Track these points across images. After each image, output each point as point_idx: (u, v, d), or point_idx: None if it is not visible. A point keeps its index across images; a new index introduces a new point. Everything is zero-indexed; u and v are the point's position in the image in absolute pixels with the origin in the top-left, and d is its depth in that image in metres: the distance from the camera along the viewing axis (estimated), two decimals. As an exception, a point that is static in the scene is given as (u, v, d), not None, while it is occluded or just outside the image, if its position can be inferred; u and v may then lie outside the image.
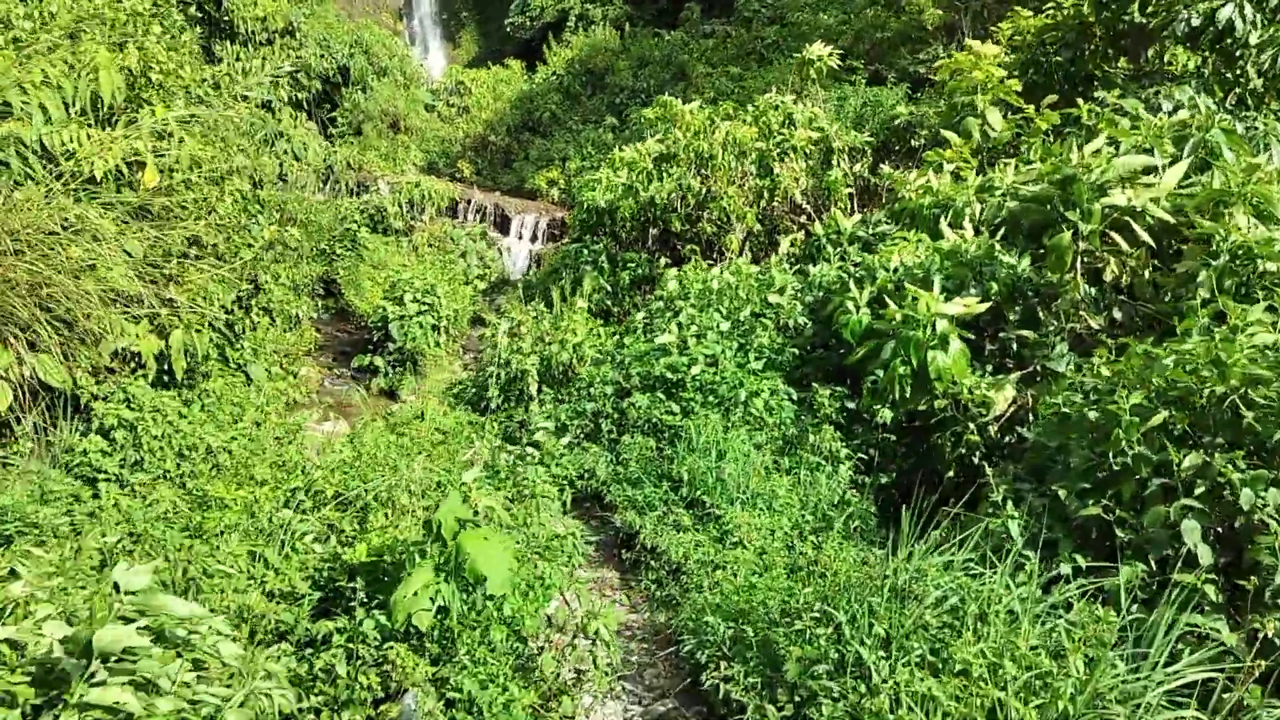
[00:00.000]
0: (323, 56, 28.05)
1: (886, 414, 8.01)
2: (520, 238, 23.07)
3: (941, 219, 9.53)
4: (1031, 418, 7.46)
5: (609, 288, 14.86)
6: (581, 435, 9.23)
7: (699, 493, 7.48)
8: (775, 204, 14.33)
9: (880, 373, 8.15)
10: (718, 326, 9.53)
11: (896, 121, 14.88)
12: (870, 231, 10.78)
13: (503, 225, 23.40)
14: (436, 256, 21.01)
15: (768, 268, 10.88)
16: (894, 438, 8.25)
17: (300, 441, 7.88)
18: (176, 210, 7.66)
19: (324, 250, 18.86)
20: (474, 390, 13.84)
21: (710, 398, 8.88)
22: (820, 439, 7.95)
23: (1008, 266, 8.10)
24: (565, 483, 8.12)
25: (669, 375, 9.05)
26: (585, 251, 15.32)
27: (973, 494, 7.24)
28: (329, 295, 20.16)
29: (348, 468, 6.60)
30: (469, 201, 24.16)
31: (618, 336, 11.39)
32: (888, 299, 8.26)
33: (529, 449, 8.08)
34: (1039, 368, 7.90)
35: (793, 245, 11.49)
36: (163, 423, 6.93)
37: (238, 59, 18.81)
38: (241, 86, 9.25)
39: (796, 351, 9.54)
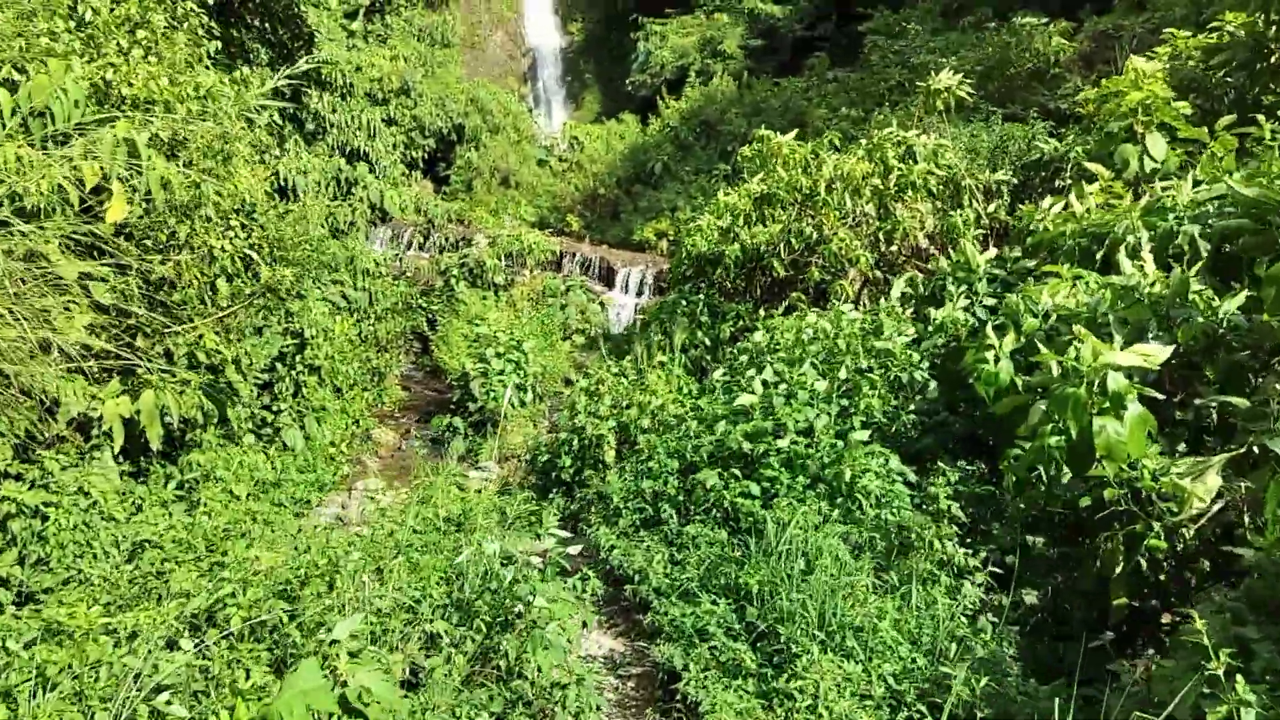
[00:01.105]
0: (437, 115, 28.07)
1: (1033, 503, 5.92)
2: (625, 291, 22.01)
3: (1097, 251, 7.45)
4: (1249, 521, 5.27)
5: (708, 342, 13.22)
6: (638, 521, 7.40)
7: (770, 619, 5.56)
8: (895, 247, 12.46)
9: (1025, 446, 6.08)
10: (810, 385, 7.58)
11: (1037, 157, 12.79)
12: (1009, 269, 8.65)
13: (608, 278, 22.43)
14: (534, 311, 20.00)
15: (876, 312, 8.91)
16: (1043, 540, 6.11)
17: (249, 535, 6.36)
18: (151, 254, 6.48)
19: (409, 304, 17.98)
20: (548, 457, 12.37)
21: (800, 477, 6.95)
22: (938, 538, 5.90)
23: (1205, 308, 5.93)
24: (589, 598, 6.20)
25: (747, 448, 7.14)
26: (683, 303, 13.78)
27: (1161, 627, 5.14)
28: (425, 353, 19.38)
29: (280, 579, 5.02)
30: (574, 255, 23.28)
31: (694, 398, 9.60)
32: (1039, 347, 6.23)
33: (533, 547, 6.14)
34: (1255, 448, 5.64)
35: (909, 285, 9.46)
36: (84, 511, 5.54)
37: (334, 110, 18.33)
38: (249, 99, 8.09)
39: (915, 418, 7.55)
